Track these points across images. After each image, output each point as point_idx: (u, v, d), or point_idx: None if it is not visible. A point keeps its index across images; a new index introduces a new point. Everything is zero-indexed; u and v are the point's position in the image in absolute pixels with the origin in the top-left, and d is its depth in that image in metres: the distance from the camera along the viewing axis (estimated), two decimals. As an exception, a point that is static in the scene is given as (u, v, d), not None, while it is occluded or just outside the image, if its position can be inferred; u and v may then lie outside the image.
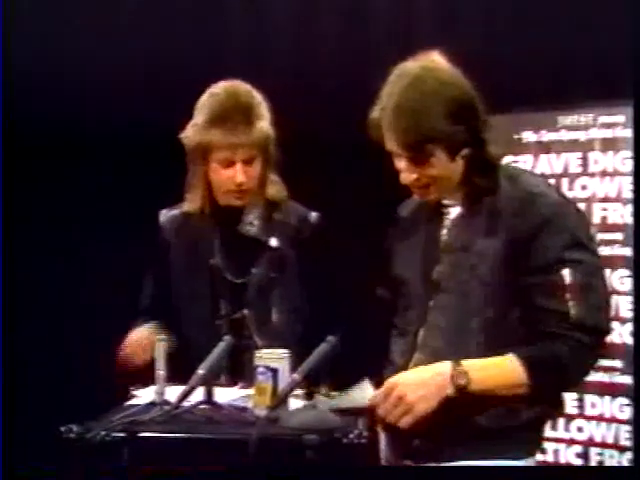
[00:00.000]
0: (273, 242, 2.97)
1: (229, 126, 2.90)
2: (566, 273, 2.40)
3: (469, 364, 2.35)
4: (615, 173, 3.76)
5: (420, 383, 2.34)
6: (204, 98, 2.98)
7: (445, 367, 2.35)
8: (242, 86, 2.99)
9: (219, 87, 2.99)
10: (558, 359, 2.37)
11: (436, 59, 2.49)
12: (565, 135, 3.87)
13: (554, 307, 2.39)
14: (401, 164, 2.50)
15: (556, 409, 2.57)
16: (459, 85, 2.46)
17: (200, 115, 2.96)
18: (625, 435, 3.69)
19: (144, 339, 2.92)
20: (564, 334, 2.37)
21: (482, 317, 2.44)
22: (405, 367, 2.50)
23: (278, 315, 2.97)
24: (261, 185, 3.01)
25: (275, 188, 3.04)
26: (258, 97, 2.99)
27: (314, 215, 3.06)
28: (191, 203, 3.04)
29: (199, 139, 2.94)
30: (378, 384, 2.60)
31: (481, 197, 2.49)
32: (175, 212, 3.10)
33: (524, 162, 3.91)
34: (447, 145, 2.44)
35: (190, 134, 2.96)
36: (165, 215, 3.12)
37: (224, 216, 3.02)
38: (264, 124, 2.95)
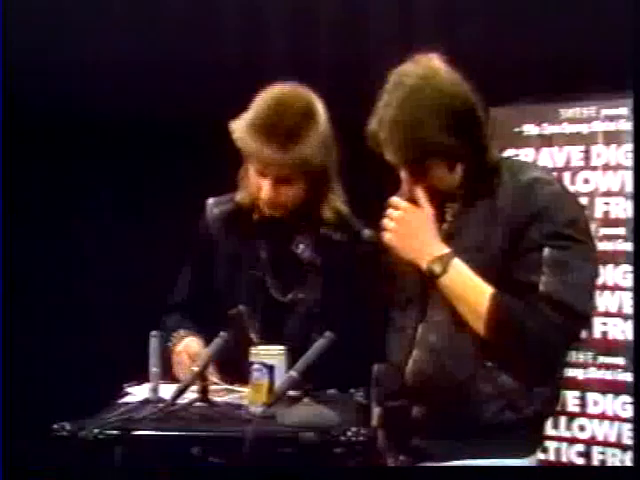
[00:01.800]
0: (326, 263, 2.77)
1: (266, 138, 2.66)
2: (547, 251, 2.38)
3: (457, 263, 2.41)
4: (618, 167, 3.74)
5: (411, 231, 2.46)
6: (260, 94, 2.76)
7: (437, 249, 2.43)
8: (301, 95, 2.73)
9: (277, 89, 2.74)
10: (522, 324, 2.36)
11: (435, 64, 2.45)
12: (567, 128, 3.85)
13: (528, 280, 2.37)
14: (401, 175, 2.48)
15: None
16: (458, 94, 2.42)
17: (249, 112, 2.74)
18: (628, 434, 3.66)
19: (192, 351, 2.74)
20: (532, 305, 2.35)
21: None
22: (403, 364, 2.48)
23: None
24: (312, 206, 2.78)
25: (332, 209, 2.79)
26: (317, 111, 2.72)
27: (367, 232, 2.71)
28: (242, 196, 2.83)
29: (238, 139, 2.71)
30: (377, 382, 2.60)
31: (479, 199, 2.47)
32: (224, 207, 2.89)
33: (526, 155, 3.89)
34: (446, 157, 2.43)
35: (235, 128, 2.73)
36: (212, 208, 2.90)
37: (274, 228, 2.80)
38: (307, 146, 2.67)
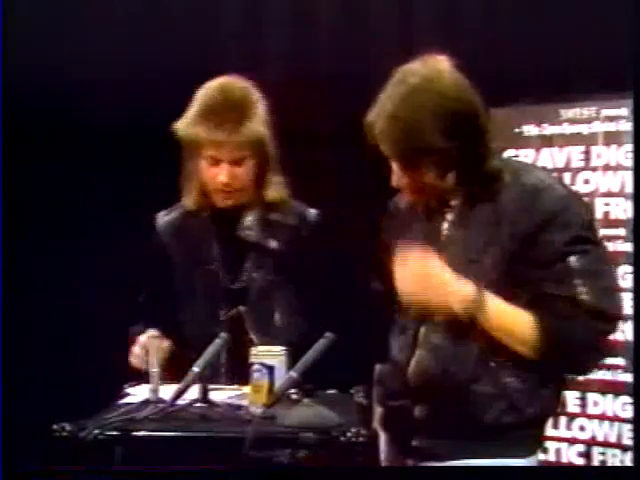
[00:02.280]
0: (272, 244, 2.93)
1: (216, 122, 2.82)
2: (573, 260, 2.39)
3: (490, 299, 2.38)
4: (618, 167, 3.73)
5: (429, 277, 2.41)
6: (199, 91, 2.92)
7: (465, 291, 2.39)
8: (239, 83, 2.92)
9: (215, 81, 2.92)
10: (570, 342, 2.38)
11: (442, 66, 2.44)
12: (567, 128, 3.84)
13: (565, 293, 2.39)
14: (393, 166, 2.49)
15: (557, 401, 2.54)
16: (460, 98, 2.41)
17: (192, 108, 2.89)
18: (628, 434, 3.66)
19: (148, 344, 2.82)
20: (579, 319, 2.37)
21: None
22: (406, 364, 2.48)
23: (280, 317, 2.93)
24: (258, 187, 2.94)
25: (274, 190, 2.96)
26: (255, 95, 2.91)
27: (313, 213, 2.99)
28: (188, 201, 2.99)
29: (187, 132, 2.86)
30: (379, 382, 2.59)
31: (479, 202, 2.47)
32: (173, 214, 3.04)
33: (526, 156, 3.88)
34: (439, 160, 2.42)
35: (180, 126, 2.89)
36: (162, 218, 3.05)
37: (222, 219, 2.96)
38: (255, 124, 2.86)
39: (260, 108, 2.90)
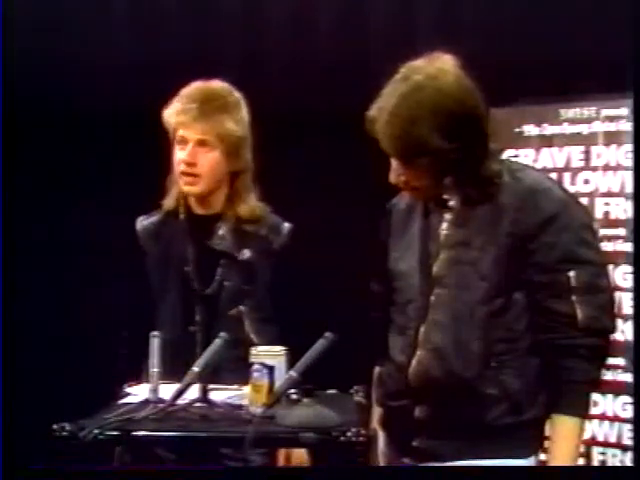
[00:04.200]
0: (244, 255, 2.99)
1: (186, 106, 2.93)
2: (572, 275, 2.42)
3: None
4: (618, 167, 3.73)
5: None
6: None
7: None
8: (221, 83, 3.02)
9: (193, 84, 3.02)
10: (584, 375, 2.43)
11: (447, 66, 2.43)
12: (567, 128, 3.84)
13: (563, 310, 2.42)
14: (393, 162, 2.49)
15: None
16: (462, 100, 2.41)
17: (173, 101, 3.00)
18: (628, 434, 3.66)
19: None
20: (576, 344, 2.41)
21: (483, 311, 2.43)
22: (407, 364, 2.48)
23: (249, 324, 2.96)
24: (231, 201, 3.01)
25: (249, 202, 3.03)
26: (236, 96, 3.01)
27: (286, 226, 3.05)
28: (167, 202, 3.06)
29: (165, 118, 2.98)
30: (380, 382, 2.58)
31: (478, 202, 2.47)
32: (152, 218, 3.11)
33: (526, 156, 3.88)
34: (437, 159, 2.42)
35: (163, 115, 2.99)
36: (142, 222, 3.12)
37: (197, 226, 3.02)
38: (228, 119, 2.95)
39: (240, 110, 3.00)
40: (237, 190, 3.02)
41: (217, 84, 3.01)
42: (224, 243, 2.99)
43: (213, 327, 2.88)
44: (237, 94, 3.01)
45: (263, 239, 3.01)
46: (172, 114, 2.96)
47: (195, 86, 2.99)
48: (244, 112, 3.00)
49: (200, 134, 2.93)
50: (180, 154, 2.97)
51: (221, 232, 3.00)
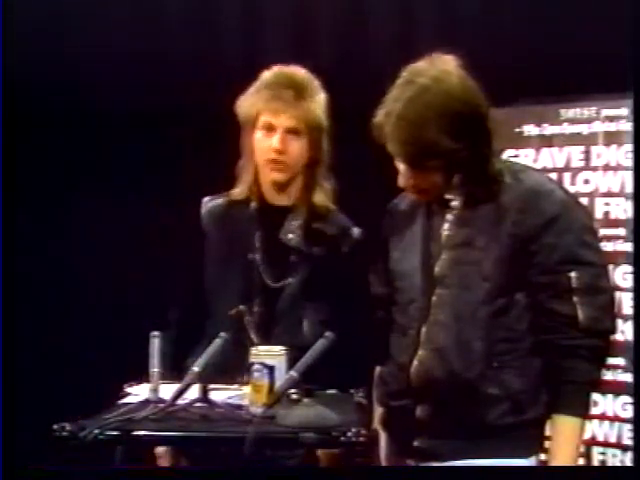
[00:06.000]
0: (313, 253, 2.90)
1: (275, 94, 2.85)
2: (573, 276, 2.42)
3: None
4: (618, 167, 3.73)
5: None
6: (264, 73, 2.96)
7: None
8: (298, 69, 2.93)
9: (276, 67, 2.94)
10: (585, 375, 2.44)
11: (449, 67, 2.45)
12: (568, 128, 3.84)
13: (564, 311, 2.43)
14: (400, 167, 2.49)
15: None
16: (467, 100, 2.42)
17: (253, 86, 2.92)
18: (628, 434, 3.66)
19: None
20: (576, 345, 2.42)
21: (485, 311, 2.44)
22: (408, 364, 2.48)
23: (308, 326, 2.87)
24: (307, 188, 2.93)
25: (323, 195, 2.94)
26: (316, 83, 2.92)
27: (356, 230, 2.93)
28: (239, 190, 2.96)
29: (247, 104, 2.89)
30: (381, 382, 2.58)
31: (481, 202, 2.48)
32: (219, 200, 3.02)
33: (526, 156, 3.89)
34: (446, 160, 2.43)
35: (241, 101, 2.91)
36: (207, 204, 3.02)
37: (268, 216, 2.93)
38: (314, 106, 2.87)
39: (321, 96, 2.91)
40: (314, 179, 2.93)
41: (300, 70, 2.92)
42: (295, 238, 2.90)
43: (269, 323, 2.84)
44: (312, 76, 2.93)
45: (332, 240, 2.91)
46: (256, 100, 2.87)
47: (280, 72, 2.90)
48: (323, 95, 2.92)
49: (292, 121, 2.85)
50: (267, 141, 2.87)
51: (292, 225, 2.91)
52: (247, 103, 2.90)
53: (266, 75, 2.92)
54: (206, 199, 3.03)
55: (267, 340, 2.76)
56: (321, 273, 2.88)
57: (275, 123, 2.86)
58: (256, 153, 2.91)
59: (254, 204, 2.95)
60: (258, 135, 2.90)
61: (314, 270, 2.88)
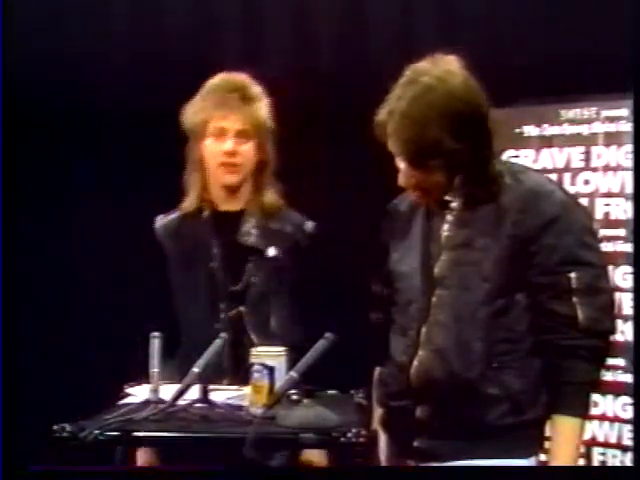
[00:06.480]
0: (271, 252, 2.99)
1: (222, 98, 2.95)
2: (573, 277, 2.43)
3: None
4: (618, 168, 3.72)
5: None
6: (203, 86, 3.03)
7: None
8: (241, 75, 3.03)
9: (217, 76, 3.03)
10: (584, 376, 2.44)
11: (452, 67, 2.45)
12: (568, 129, 3.83)
13: (564, 311, 2.43)
14: (401, 165, 2.49)
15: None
16: (470, 100, 2.43)
17: (197, 96, 3.01)
18: (628, 434, 3.65)
19: None
20: (576, 345, 2.42)
21: (485, 312, 2.44)
22: (408, 364, 2.48)
23: (276, 321, 2.97)
24: (256, 190, 3.02)
25: (273, 195, 3.03)
26: (257, 88, 3.01)
27: (310, 224, 3.05)
28: (188, 202, 3.04)
29: (194, 113, 2.97)
30: (381, 382, 2.58)
31: (481, 203, 2.48)
32: (172, 216, 3.09)
33: (526, 156, 3.88)
34: (448, 159, 2.43)
35: (186, 111, 2.99)
36: (161, 220, 3.10)
37: (222, 222, 3.02)
38: (258, 109, 2.97)
39: (263, 100, 3.01)
40: (263, 181, 3.02)
41: (240, 75, 3.02)
42: (251, 238, 2.99)
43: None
44: (253, 81, 3.03)
45: (289, 237, 3.01)
46: (204, 107, 2.96)
47: (223, 78, 3.01)
48: (265, 99, 3.02)
49: (241, 124, 2.95)
50: (218, 146, 2.96)
51: (247, 228, 3.00)
52: (193, 111, 2.99)
53: (210, 82, 3.01)
54: (159, 217, 3.12)
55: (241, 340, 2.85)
56: (282, 269, 2.97)
57: (227, 127, 2.95)
58: (207, 159, 3.00)
59: (206, 212, 3.03)
60: (208, 142, 2.98)
61: (275, 268, 2.97)
